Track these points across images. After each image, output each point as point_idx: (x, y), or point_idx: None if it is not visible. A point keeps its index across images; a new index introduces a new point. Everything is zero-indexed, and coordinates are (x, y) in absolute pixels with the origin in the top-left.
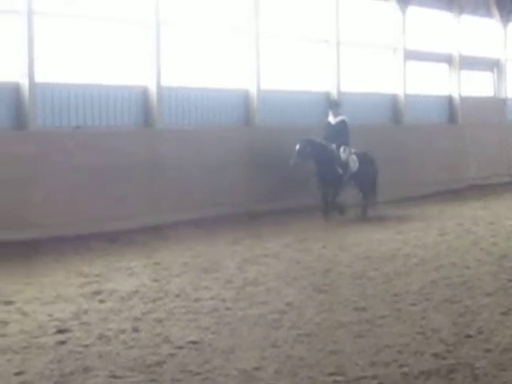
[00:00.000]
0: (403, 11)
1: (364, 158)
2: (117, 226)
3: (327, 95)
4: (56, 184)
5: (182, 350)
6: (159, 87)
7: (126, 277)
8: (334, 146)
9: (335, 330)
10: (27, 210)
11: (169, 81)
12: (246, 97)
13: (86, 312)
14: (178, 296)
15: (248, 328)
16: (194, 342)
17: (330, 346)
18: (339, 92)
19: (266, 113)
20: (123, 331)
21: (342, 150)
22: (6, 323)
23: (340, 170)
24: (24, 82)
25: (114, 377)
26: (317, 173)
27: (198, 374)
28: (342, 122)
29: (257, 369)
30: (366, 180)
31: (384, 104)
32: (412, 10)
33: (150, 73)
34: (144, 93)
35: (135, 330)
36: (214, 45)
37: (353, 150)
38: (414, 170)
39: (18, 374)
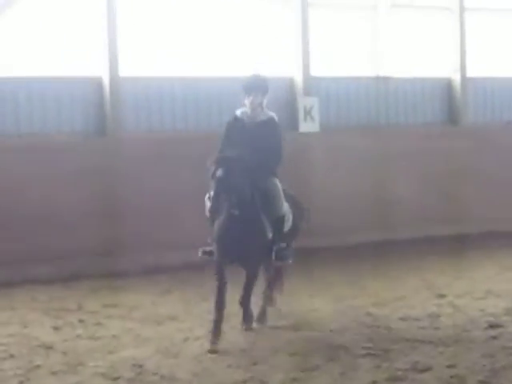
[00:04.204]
0: None
1: (296, 205)
2: None
3: None
4: (488, 179)
5: None
6: None
7: None
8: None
9: None
10: (460, 204)
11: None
12: None
13: None
14: None
15: None
16: None
17: None
18: None
19: None
20: None
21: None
22: (438, 316)
23: (269, 233)
24: (456, 78)
25: None
26: (222, 229)
27: None
28: (271, 124)
29: None
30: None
31: None
32: None
33: None
34: None
35: None
36: None
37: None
38: None
39: (449, 366)
